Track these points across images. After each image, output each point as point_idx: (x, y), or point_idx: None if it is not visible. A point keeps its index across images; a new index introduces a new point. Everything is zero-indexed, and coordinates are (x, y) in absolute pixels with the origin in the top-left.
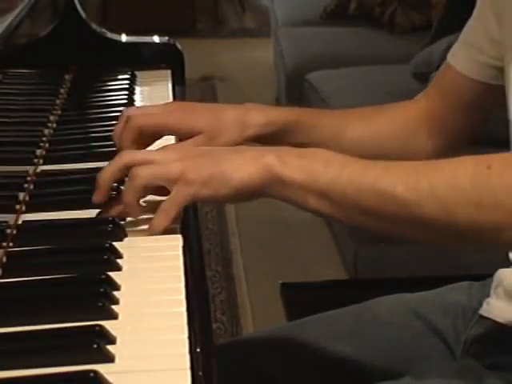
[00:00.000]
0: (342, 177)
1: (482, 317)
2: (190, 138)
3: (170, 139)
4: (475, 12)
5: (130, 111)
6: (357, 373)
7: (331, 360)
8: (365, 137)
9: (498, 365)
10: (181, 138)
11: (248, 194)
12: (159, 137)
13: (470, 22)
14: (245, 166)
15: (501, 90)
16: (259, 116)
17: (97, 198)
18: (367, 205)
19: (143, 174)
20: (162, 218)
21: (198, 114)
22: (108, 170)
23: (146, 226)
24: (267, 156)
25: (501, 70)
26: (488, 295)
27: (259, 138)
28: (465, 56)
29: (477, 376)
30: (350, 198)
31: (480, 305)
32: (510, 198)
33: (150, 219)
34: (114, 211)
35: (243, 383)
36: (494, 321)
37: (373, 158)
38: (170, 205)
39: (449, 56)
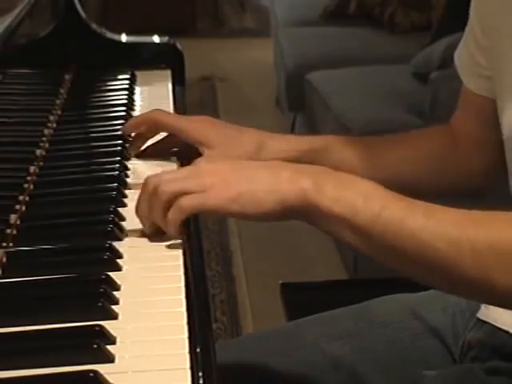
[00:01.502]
0: (382, 218)
1: (479, 320)
2: (200, 146)
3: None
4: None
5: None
6: (356, 373)
7: (330, 360)
8: (405, 162)
9: (497, 369)
10: (190, 145)
11: (279, 217)
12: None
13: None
14: (279, 188)
15: None
16: (278, 144)
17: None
18: (405, 251)
19: (185, 208)
20: (176, 216)
21: (217, 127)
22: (149, 207)
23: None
24: (303, 180)
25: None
26: None
27: None
28: (469, 71)
29: (477, 381)
30: (388, 241)
31: (478, 307)
32: None
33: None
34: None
35: (243, 383)
36: (492, 325)
37: (411, 184)
38: (191, 205)
39: (459, 69)
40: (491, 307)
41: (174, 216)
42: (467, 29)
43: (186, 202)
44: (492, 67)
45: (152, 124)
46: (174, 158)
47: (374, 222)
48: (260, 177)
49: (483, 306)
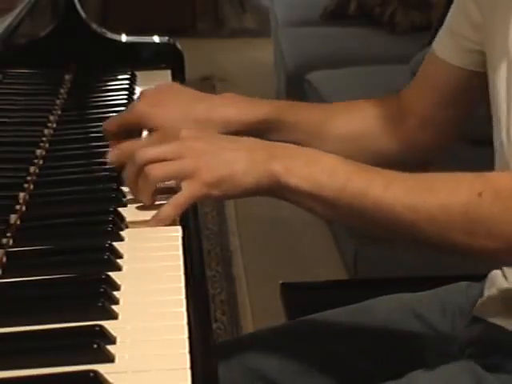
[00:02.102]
0: (346, 191)
1: (476, 318)
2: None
3: None
4: None
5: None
6: (355, 373)
7: (330, 360)
8: (349, 134)
9: (496, 366)
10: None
11: (253, 194)
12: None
13: (452, 9)
14: (254, 171)
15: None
16: (226, 112)
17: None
18: (370, 218)
19: (158, 173)
20: (171, 210)
21: (164, 108)
22: (129, 173)
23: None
24: (276, 164)
25: (485, 56)
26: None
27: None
28: (449, 44)
29: (476, 377)
30: (353, 211)
31: (475, 305)
32: (499, 227)
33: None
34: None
35: (242, 383)
36: (488, 321)
37: (358, 153)
38: (183, 198)
39: (434, 44)
40: (487, 305)
41: (169, 212)
42: (452, 12)
43: (180, 198)
44: (485, 42)
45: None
46: None
47: (339, 194)
48: (238, 159)
49: (479, 305)
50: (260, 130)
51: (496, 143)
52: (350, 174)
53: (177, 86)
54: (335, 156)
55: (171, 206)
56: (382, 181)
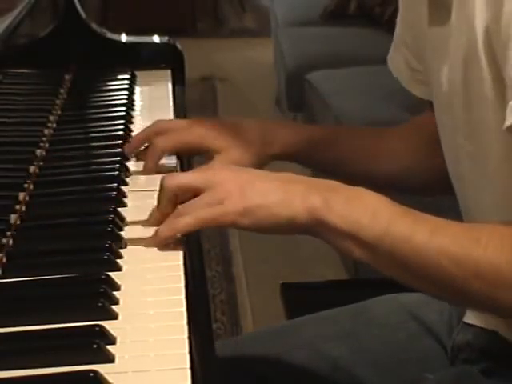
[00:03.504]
0: (388, 235)
1: (466, 323)
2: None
3: None
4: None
5: (155, 127)
6: (353, 374)
7: (328, 361)
8: (402, 151)
9: (490, 371)
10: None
11: (289, 231)
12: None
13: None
14: (291, 204)
15: None
16: (284, 134)
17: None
18: (411, 268)
19: (201, 218)
20: (190, 224)
21: (218, 132)
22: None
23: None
24: (314, 197)
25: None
26: None
27: (284, 157)
28: (410, 78)
29: (474, 383)
30: (394, 258)
31: (465, 310)
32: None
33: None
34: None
35: (240, 382)
36: (479, 327)
37: (406, 172)
38: (208, 215)
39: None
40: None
41: (187, 221)
42: (397, 37)
43: (204, 213)
44: (426, 73)
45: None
46: (174, 157)
47: (380, 238)
48: (274, 191)
49: (468, 311)
50: (316, 149)
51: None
52: (394, 217)
53: (211, 119)
54: (379, 195)
55: (191, 217)
56: (426, 228)
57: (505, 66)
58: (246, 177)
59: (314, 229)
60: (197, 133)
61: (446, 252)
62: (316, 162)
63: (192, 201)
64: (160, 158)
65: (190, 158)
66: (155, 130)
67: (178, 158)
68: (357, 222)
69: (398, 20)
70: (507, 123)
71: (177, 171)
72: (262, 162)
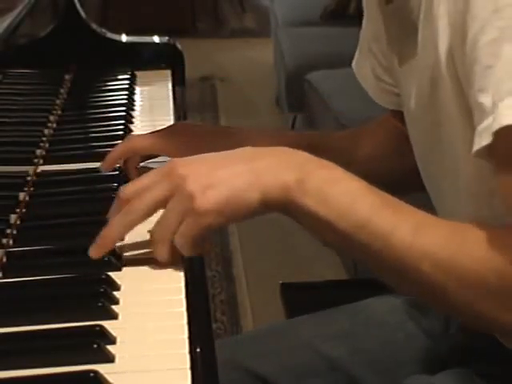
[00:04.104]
0: (366, 227)
1: (462, 325)
2: None
3: None
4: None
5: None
6: (350, 374)
7: (326, 361)
8: (377, 152)
9: (487, 373)
10: None
11: (263, 212)
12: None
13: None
14: (261, 184)
15: None
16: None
17: (97, 253)
18: (388, 264)
19: (158, 234)
20: (166, 255)
21: (197, 141)
22: (115, 228)
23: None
24: (287, 174)
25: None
26: None
27: None
28: (375, 86)
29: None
30: (371, 251)
31: None
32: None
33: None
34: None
35: (242, 383)
36: (474, 329)
37: (380, 172)
38: (184, 239)
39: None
40: None
41: (186, 239)
42: (363, 43)
43: (186, 234)
44: (395, 85)
45: (131, 154)
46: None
47: (358, 230)
48: (239, 175)
49: None
50: None
51: None
52: (375, 207)
53: (186, 125)
54: (360, 179)
55: (181, 242)
56: (408, 226)
57: (469, 90)
58: (205, 169)
59: (286, 208)
60: (174, 148)
61: (427, 255)
62: None
63: (160, 224)
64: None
65: None
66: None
67: None
68: (334, 209)
69: (364, 26)
70: (475, 148)
71: None
72: None
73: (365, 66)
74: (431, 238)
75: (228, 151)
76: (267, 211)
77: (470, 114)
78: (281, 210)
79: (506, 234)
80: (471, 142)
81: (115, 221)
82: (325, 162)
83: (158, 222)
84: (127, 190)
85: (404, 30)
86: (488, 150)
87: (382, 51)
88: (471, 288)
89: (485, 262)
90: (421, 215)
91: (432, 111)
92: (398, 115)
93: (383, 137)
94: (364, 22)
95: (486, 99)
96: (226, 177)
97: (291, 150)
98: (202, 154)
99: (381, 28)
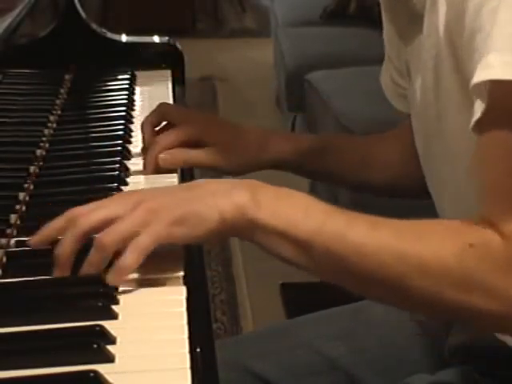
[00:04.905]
0: (323, 231)
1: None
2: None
3: None
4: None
5: (160, 113)
6: (351, 374)
7: (326, 361)
8: (394, 159)
9: (488, 372)
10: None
11: (221, 235)
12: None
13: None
14: (218, 204)
15: None
16: (282, 143)
17: (60, 273)
18: (349, 265)
19: (110, 242)
20: (132, 259)
21: (220, 127)
22: (66, 245)
23: None
24: (240, 194)
25: None
26: None
27: (277, 164)
28: (393, 92)
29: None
30: (330, 255)
31: None
32: (494, 285)
33: None
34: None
35: (242, 383)
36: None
37: (400, 179)
38: (144, 243)
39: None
40: None
41: (128, 260)
42: (386, 50)
43: (141, 243)
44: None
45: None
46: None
47: (315, 234)
48: (197, 197)
49: None
50: (307, 160)
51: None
52: (328, 214)
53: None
54: (308, 195)
55: (132, 253)
56: (365, 223)
57: (469, 63)
58: (163, 191)
59: (243, 228)
60: (197, 127)
61: (385, 246)
62: (307, 171)
63: (112, 229)
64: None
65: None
66: (159, 117)
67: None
68: (288, 219)
69: (384, 35)
70: (475, 80)
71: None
72: (252, 168)
73: (385, 72)
74: (387, 232)
75: (189, 183)
76: (224, 235)
77: (469, 96)
78: (238, 231)
79: (461, 222)
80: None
81: (90, 257)
82: (274, 186)
83: (109, 228)
84: (90, 218)
85: (411, 25)
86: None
87: (396, 55)
88: (434, 277)
89: (443, 248)
90: (375, 217)
91: (436, 103)
92: None
93: (405, 142)
94: (384, 26)
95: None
96: (185, 198)
97: (245, 179)
98: (156, 188)
99: (392, 29)
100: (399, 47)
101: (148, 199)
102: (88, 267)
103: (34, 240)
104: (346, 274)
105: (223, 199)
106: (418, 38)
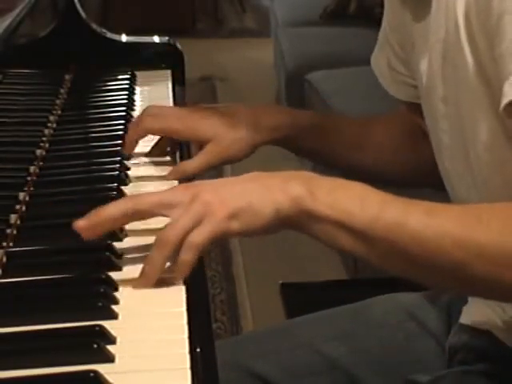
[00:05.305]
0: (381, 219)
1: (462, 324)
2: (200, 144)
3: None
4: (380, 37)
5: (147, 111)
6: (351, 374)
7: (326, 361)
8: (386, 143)
9: (488, 372)
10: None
11: (277, 228)
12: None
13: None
14: (273, 198)
15: None
16: (273, 119)
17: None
18: (408, 253)
19: (174, 238)
20: (189, 257)
21: (208, 120)
22: (115, 208)
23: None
24: (295, 188)
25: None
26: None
27: (274, 141)
28: (390, 78)
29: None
30: (389, 244)
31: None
32: None
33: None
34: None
35: (241, 383)
36: (475, 328)
37: (392, 163)
38: (200, 238)
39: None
40: (472, 311)
41: (188, 256)
42: (381, 37)
43: (197, 239)
44: (413, 77)
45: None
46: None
47: (373, 224)
48: (251, 190)
49: (464, 312)
50: (304, 135)
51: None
52: (384, 202)
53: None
54: (363, 184)
55: (188, 250)
56: (423, 209)
57: (501, 42)
58: (218, 184)
59: (300, 220)
60: (188, 123)
61: (446, 232)
62: (302, 148)
63: (173, 226)
64: (142, 136)
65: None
66: (147, 115)
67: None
68: (345, 210)
69: (384, 20)
70: (506, 100)
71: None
72: (252, 149)
73: (381, 58)
74: (445, 218)
75: (238, 176)
76: (280, 227)
77: (486, 79)
78: (294, 223)
79: None
80: (488, 109)
81: (154, 255)
82: (329, 177)
83: (169, 224)
84: (146, 202)
85: (420, 5)
86: None
87: (399, 42)
88: (492, 260)
89: (502, 232)
90: (430, 203)
91: (442, 86)
92: (414, 108)
93: (398, 129)
94: (384, 14)
95: None
96: (240, 191)
97: (297, 171)
98: (211, 180)
99: (400, 17)
100: (403, 35)
101: (205, 190)
102: (151, 267)
103: (81, 224)
104: (405, 262)
105: (278, 192)
106: (422, 23)
